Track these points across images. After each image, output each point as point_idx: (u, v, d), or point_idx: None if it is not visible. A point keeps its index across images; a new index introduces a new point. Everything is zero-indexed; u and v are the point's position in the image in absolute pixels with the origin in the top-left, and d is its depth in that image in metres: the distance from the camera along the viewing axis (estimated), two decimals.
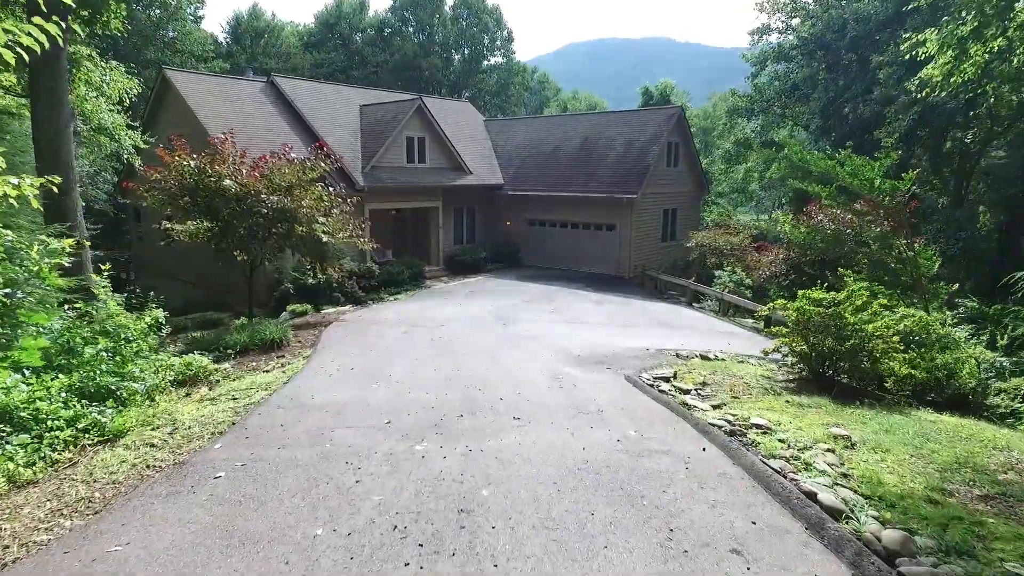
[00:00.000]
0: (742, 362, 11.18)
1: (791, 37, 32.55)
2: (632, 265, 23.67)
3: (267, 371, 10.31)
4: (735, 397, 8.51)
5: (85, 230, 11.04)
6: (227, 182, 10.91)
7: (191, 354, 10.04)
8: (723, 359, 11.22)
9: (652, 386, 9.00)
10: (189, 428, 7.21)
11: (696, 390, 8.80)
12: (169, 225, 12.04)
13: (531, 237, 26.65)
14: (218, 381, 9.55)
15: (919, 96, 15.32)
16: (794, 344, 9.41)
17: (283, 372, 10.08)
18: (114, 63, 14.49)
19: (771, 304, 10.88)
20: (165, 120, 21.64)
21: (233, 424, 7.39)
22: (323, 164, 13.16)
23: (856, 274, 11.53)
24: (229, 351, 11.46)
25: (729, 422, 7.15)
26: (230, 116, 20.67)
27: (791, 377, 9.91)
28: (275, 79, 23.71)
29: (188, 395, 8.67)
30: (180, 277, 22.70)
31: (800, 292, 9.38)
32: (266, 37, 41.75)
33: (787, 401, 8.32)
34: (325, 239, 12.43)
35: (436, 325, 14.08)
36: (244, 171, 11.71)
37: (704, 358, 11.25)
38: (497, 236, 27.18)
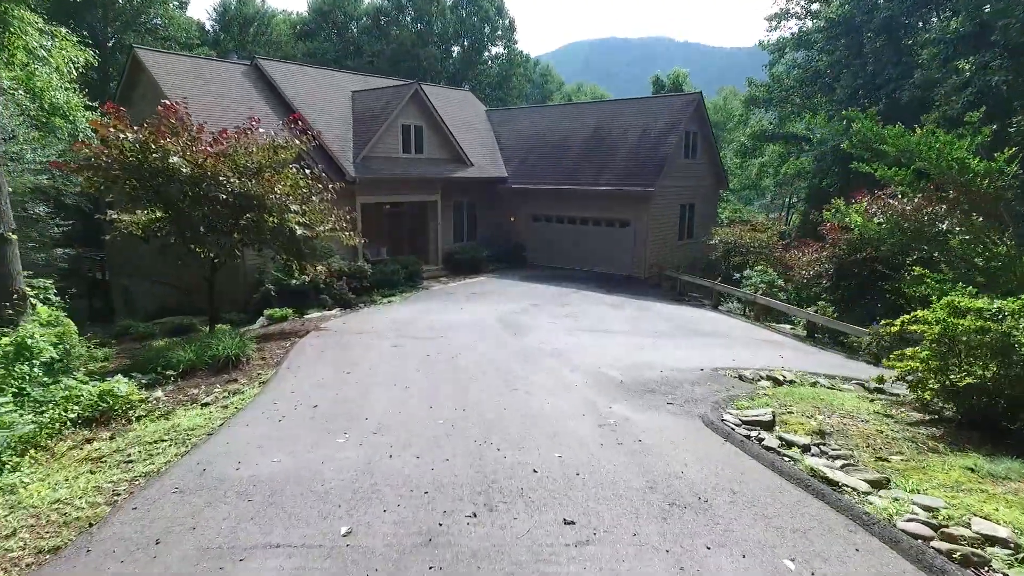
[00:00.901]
0: (831, 388, 9.21)
1: (812, 22, 30.71)
2: (648, 264, 21.83)
3: (205, 405, 8.16)
4: (882, 459, 6.07)
5: (12, 220, 9.18)
6: (174, 159, 8.97)
7: (116, 378, 8.07)
8: (799, 382, 9.37)
9: (751, 439, 6.56)
10: None
11: (818, 446, 6.36)
12: (116, 215, 10.15)
13: (537, 234, 24.81)
14: (139, 418, 7.52)
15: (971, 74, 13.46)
16: (929, 373, 7.11)
17: (223, 409, 7.81)
18: (64, 30, 12.58)
19: (891, 322, 8.22)
20: (137, 105, 19.76)
21: (75, 538, 4.68)
22: (298, 142, 11.19)
23: (934, 275, 9.66)
24: (170, 372, 9.39)
25: (934, 527, 4.65)
26: (208, 100, 18.83)
27: (923, 417, 7.53)
28: (259, 62, 21.86)
29: (90, 440, 6.69)
30: (154, 277, 20.82)
31: (944, 300, 7.15)
32: (255, 25, 39.89)
33: (971, 468, 5.83)
34: (300, 232, 10.44)
35: (434, 335, 12.17)
36: (202, 148, 9.70)
37: (774, 380, 9.35)
38: (500, 233, 25.34)
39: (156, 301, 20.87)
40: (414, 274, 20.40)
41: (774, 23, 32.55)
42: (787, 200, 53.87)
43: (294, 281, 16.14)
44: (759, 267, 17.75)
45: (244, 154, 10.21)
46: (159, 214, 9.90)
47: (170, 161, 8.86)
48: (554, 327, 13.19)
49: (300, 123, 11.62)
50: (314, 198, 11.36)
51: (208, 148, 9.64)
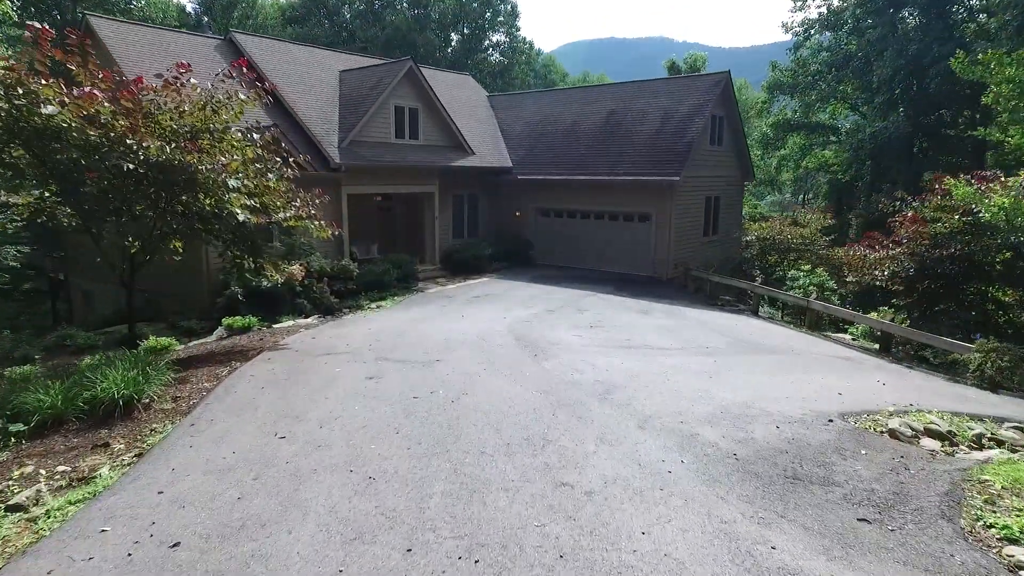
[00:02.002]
0: None
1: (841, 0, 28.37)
2: (671, 263, 19.49)
3: (13, 507, 5.13)
4: None
5: None
6: (50, 109, 6.46)
7: None
8: (963, 434, 6.97)
9: None
10: None
11: None
12: (5, 196, 7.71)
13: (545, 230, 22.47)
14: None
15: None
16: None
17: (31, 528, 4.82)
18: None
19: None
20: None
21: None
22: (243, 97, 8.65)
23: None
24: (18, 427, 6.51)
25: None
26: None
27: None
28: (234, 36, 19.49)
29: None
30: (116, 279, 18.41)
31: None
32: (241, 7, 37.53)
33: None
34: (243, 217, 7.94)
35: (426, 358, 9.43)
36: (103, 101, 7.16)
37: (936, 436, 6.81)
38: (504, 229, 22.99)
39: (116, 305, 18.49)
40: (408, 274, 18.05)
41: (799, 2, 30.23)
42: (803, 196, 51.61)
43: (265, 283, 13.76)
44: (805, 267, 15.44)
45: (170, 112, 7.75)
46: (48, 192, 7.48)
47: (44, 113, 6.38)
48: (582, 342, 10.72)
49: (248, 71, 8.86)
50: (271, 175, 8.91)
51: (119, 100, 7.09)
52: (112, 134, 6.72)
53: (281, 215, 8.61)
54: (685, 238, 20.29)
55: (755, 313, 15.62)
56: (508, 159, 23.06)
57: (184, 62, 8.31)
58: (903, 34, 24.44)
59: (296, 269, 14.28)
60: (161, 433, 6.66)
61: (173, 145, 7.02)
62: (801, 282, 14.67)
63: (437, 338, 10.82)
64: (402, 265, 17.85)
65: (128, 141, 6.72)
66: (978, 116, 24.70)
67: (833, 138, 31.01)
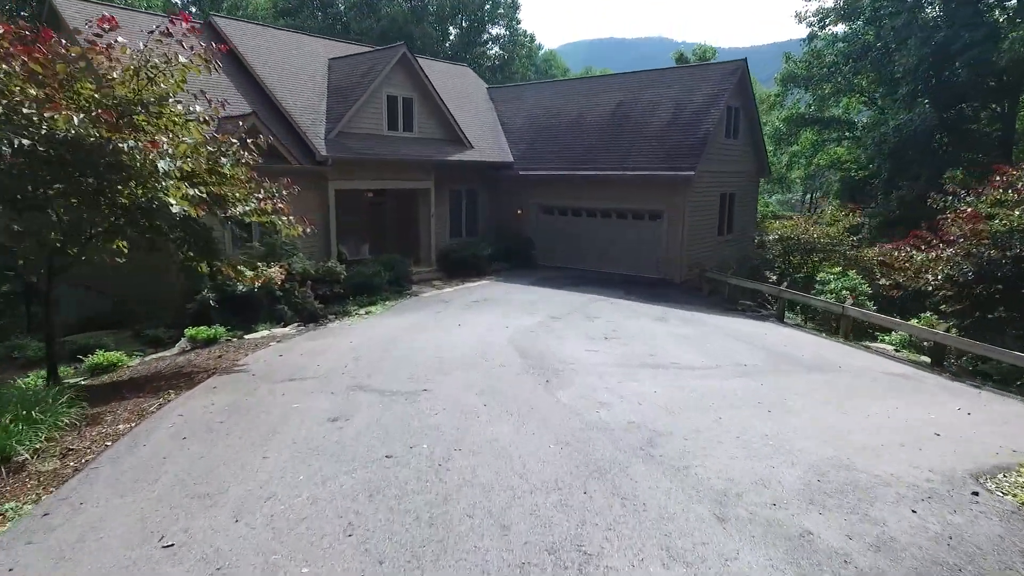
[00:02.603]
0: None
1: None
2: (684, 265, 18.16)
3: None
4: None
5: None
6: None
7: None
8: None
9: None
10: None
11: None
12: None
13: (548, 229, 21.14)
14: None
15: None
16: None
17: None
18: None
19: None
20: None
21: None
22: (183, 60, 7.01)
23: None
24: None
25: None
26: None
27: None
28: (213, 19, 18.15)
29: None
30: (83, 280, 17.07)
31: None
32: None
33: None
34: (176, 210, 6.46)
35: (411, 387, 7.77)
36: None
37: None
38: (504, 227, 21.67)
39: (85, 310, 17.15)
40: (401, 276, 16.72)
41: None
42: (810, 196, 50.27)
43: (240, 288, 12.41)
44: (835, 269, 14.12)
45: (84, 77, 6.32)
46: None
47: None
48: (599, 360, 9.23)
49: (189, 24, 7.18)
50: (224, 160, 7.49)
51: (37, 64, 5.63)
52: (5, 101, 5.33)
53: (239, 209, 7.21)
54: (699, 237, 18.96)
55: (780, 319, 14.30)
56: (509, 153, 21.74)
57: (108, 15, 6.84)
58: (926, 22, 23.12)
59: (276, 272, 12.92)
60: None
61: (82, 115, 5.60)
62: (832, 286, 13.35)
63: (428, 354, 9.42)
64: (395, 266, 16.52)
65: (26, 111, 5.34)
66: (1005, 109, 23.42)
67: (848, 133, 29.70)
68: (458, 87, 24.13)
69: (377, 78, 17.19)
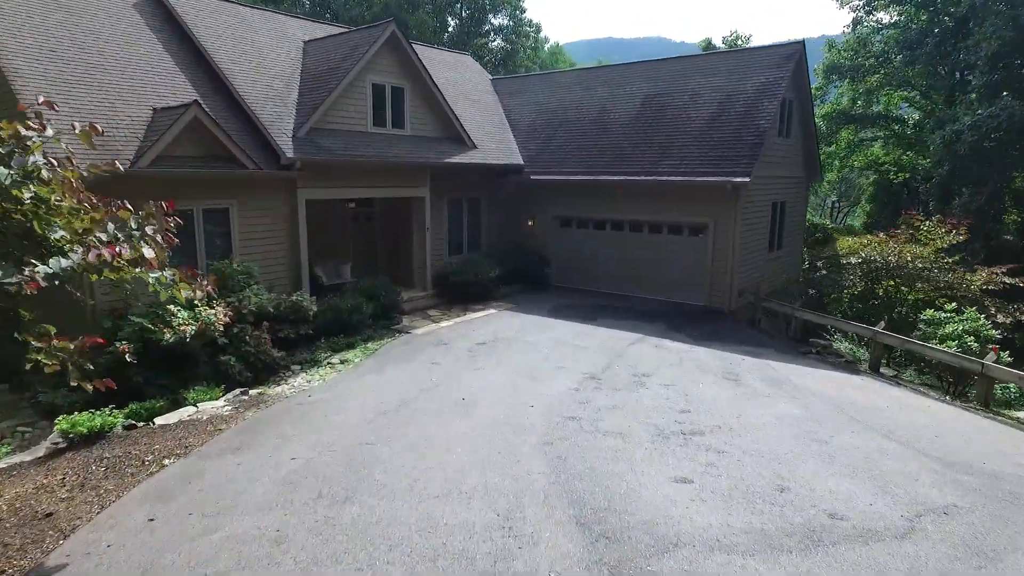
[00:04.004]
0: None
1: None
2: (734, 290, 15.05)
3: None
4: None
5: None
6: None
7: None
8: None
9: None
10: None
11: None
12: None
13: (565, 244, 18.03)
14: None
15: None
16: None
17: None
18: None
19: None
20: None
21: None
22: None
23: None
24: None
25: None
26: (65, 40, 12.03)
27: None
28: None
29: None
30: None
31: None
32: None
33: None
34: None
35: None
36: None
37: None
38: (513, 242, 18.58)
39: None
40: (389, 308, 13.58)
41: None
42: (834, 202, 47.17)
43: (168, 336, 9.27)
44: (949, 306, 11.01)
45: None
46: None
47: None
48: (707, 517, 5.47)
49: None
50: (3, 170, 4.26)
51: None
52: None
53: (57, 266, 3.89)
54: (749, 256, 15.86)
55: (875, 370, 11.16)
56: (518, 154, 18.60)
57: None
58: (999, 5, 20.03)
59: (218, 313, 9.81)
60: None
61: None
62: (949, 328, 10.28)
63: (417, 489, 6.03)
64: (381, 295, 13.36)
65: None
66: None
67: (891, 130, 26.57)
68: (458, 78, 21.00)
69: (360, 62, 14.05)
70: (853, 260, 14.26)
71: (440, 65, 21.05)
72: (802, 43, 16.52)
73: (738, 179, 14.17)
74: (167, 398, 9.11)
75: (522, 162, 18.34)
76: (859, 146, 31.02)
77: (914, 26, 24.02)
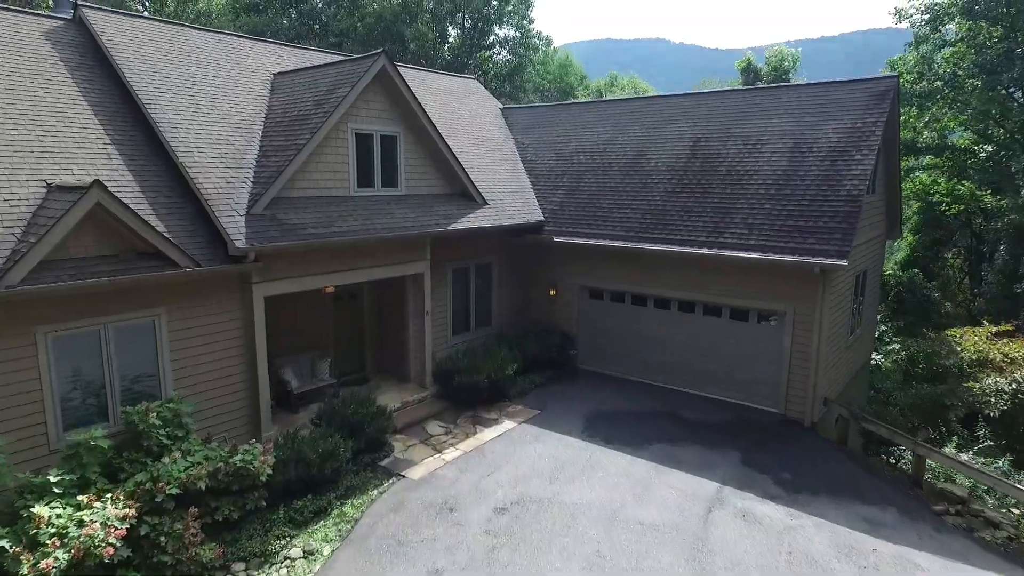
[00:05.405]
0: None
1: None
2: (818, 397, 11.88)
3: None
4: None
5: None
6: None
7: None
8: None
9: None
10: None
11: None
12: None
13: (595, 320, 14.91)
14: None
15: None
16: None
17: None
18: None
19: None
20: None
21: None
22: None
23: None
24: None
25: None
26: None
27: None
28: (84, 13, 11.77)
29: None
30: None
31: None
32: None
33: None
34: None
35: None
36: None
37: None
38: (530, 315, 15.52)
39: None
40: (376, 436, 10.36)
41: None
42: None
43: None
44: None
45: None
46: None
47: None
48: None
49: None
50: None
51: None
52: None
53: None
54: (834, 350, 12.68)
55: None
56: (537, 208, 15.44)
57: None
58: None
59: (110, 518, 6.62)
60: None
61: None
62: None
63: None
64: (364, 421, 10.17)
65: None
66: None
67: (966, 160, 23.36)
68: (463, 109, 17.85)
69: (339, 105, 10.89)
70: (998, 381, 11.10)
71: (442, 94, 17.93)
72: (896, 77, 13.35)
73: (830, 261, 11.00)
74: None
75: (542, 218, 15.18)
76: (907, 174, 27.85)
77: (990, 45, 20.87)
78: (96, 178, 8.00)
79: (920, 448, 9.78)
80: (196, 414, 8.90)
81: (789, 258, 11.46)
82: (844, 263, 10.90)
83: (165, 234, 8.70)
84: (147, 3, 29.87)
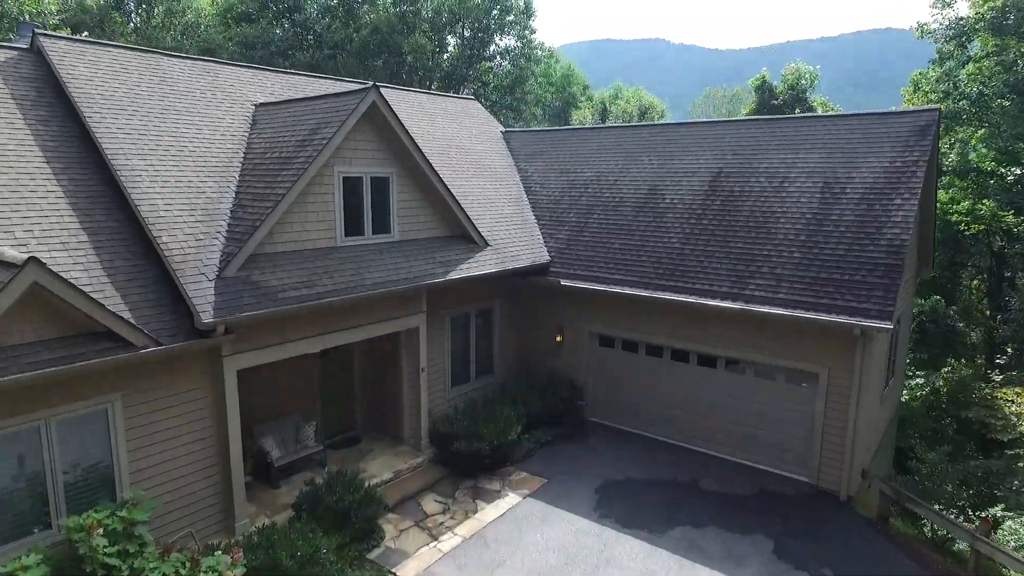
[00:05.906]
0: None
1: None
2: (856, 468, 10.76)
3: None
4: None
5: None
6: None
7: None
8: None
9: None
10: None
11: None
12: None
13: (605, 369, 13.81)
14: None
15: None
16: None
17: None
18: None
19: None
20: None
21: None
22: None
23: None
24: None
25: None
26: None
27: None
28: (42, 42, 10.65)
29: None
30: None
31: None
32: (166, 2, 28.72)
33: None
34: None
35: None
36: None
37: None
38: (535, 362, 14.45)
39: None
40: (365, 523, 9.24)
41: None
42: None
43: None
44: None
45: None
46: None
47: None
48: None
49: None
50: None
51: None
52: None
53: None
54: (870, 415, 11.53)
55: None
56: (543, 247, 14.34)
57: None
58: None
59: None
60: None
61: None
62: None
63: None
64: (351, 509, 9.03)
65: None
66: None
67: (992, 182, 22.30)
68: (461, 134, 16.75)
69: (324, 149, 9.78)
70: None
71: (439, 117, 16.84)
72: (937, 110, 12.25)
73: (871, 323, 9.89)
74: None
75: (548, 258, 14.07)
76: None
77: (1022, 65, 19.78)
78: (32, 254, 6.86)
79: (981, 544, 8.66)
80: (159, 508, 7.82)
81: (824, 317, 10.33)
82: (888, 326, 9.79)
83: (118, 312, 7.57)
84: (133, 19, 28.73)
